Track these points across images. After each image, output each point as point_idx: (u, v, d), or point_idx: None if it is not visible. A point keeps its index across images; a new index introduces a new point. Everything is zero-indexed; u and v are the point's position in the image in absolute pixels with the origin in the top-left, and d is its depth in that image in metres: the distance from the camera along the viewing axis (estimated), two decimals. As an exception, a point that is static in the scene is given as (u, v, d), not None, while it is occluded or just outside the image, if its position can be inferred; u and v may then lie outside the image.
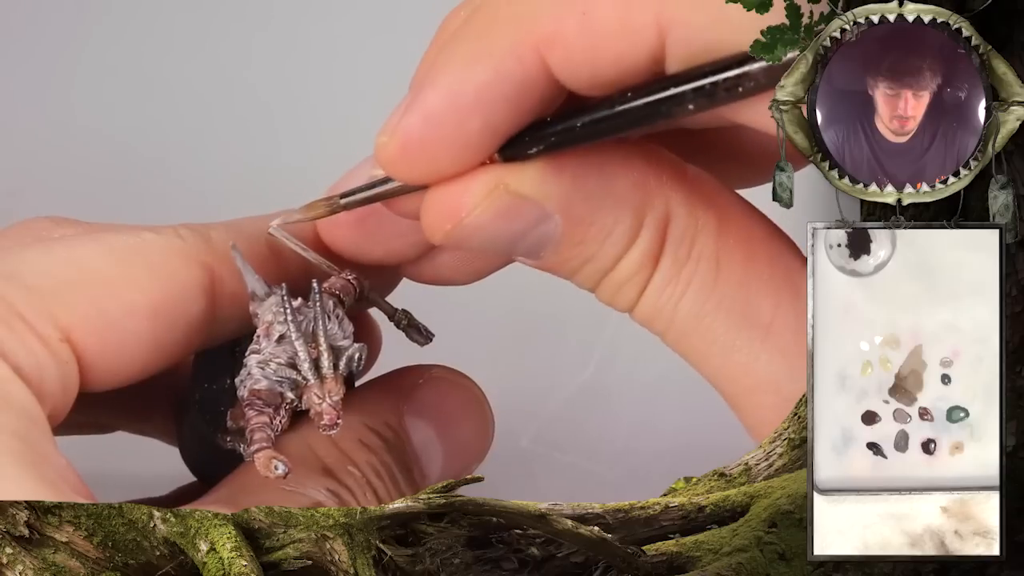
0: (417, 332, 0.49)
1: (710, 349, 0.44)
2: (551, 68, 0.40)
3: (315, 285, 0.45)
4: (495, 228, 0.43)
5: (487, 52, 0.41)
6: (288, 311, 0.45)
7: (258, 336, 0.46)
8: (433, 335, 0.49)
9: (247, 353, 0.46)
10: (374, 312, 0.51)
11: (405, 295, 0.52)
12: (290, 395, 0.45)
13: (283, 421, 0.46)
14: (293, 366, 0.45)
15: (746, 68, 0.38)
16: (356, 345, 0.46)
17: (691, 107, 0.39)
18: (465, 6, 0.44)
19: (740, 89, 0.38)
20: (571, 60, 0.40)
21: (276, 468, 0.44)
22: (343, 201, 0.46)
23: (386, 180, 0.45)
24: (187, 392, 0.49)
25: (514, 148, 0.42)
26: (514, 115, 0.41)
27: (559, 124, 0.42)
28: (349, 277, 0.47)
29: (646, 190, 0.43)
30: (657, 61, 0.39)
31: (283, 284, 0.45)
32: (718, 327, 0.44)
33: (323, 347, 0.45)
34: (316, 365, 0.45)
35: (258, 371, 0.45)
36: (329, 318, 0.45)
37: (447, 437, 0.50)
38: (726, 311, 0.43)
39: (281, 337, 0.45)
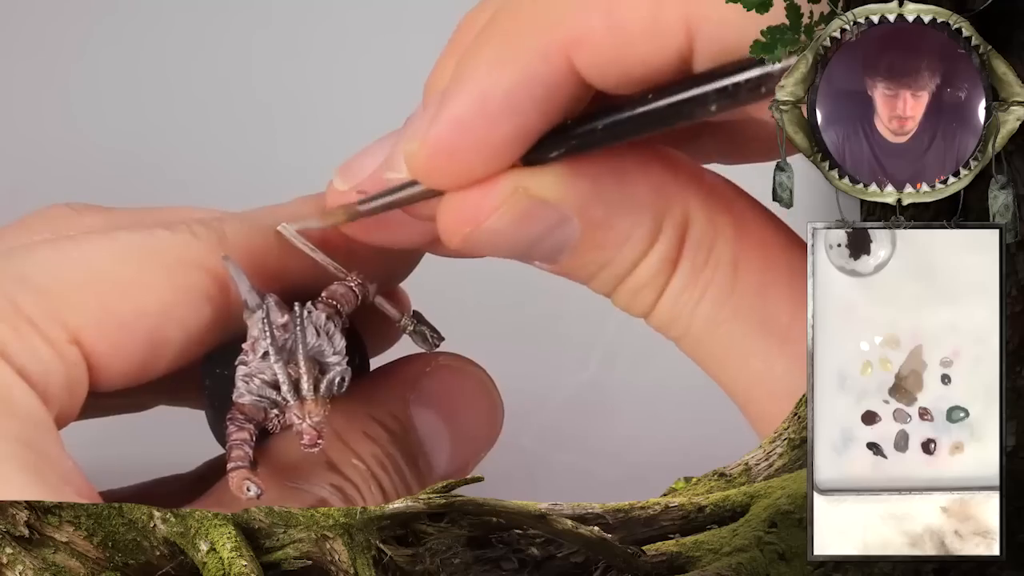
0: (423, 339, 0.48)
1: (726, 356, 0.44)
2: (578, 69, 0.40)
3: (297, 308, 0.45)
4: (514, 232, 0.43)
5: (514, 55, 0.40)
6: (269, 332, 0.44)
7: (246, 349, 0.45)
8: (443, 338, 0.49)
9: (236, 362, 0.45)
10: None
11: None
12: (273, 412, 0.45)
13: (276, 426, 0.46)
14: (275, 386, 0.45)
15: (769, 68, 0.37)
16: (339, 368, 0.45)
17: (713, 108, 0.38)
18: (483, 8, 0.43)
19: (763, 89, 0.38)
20: (599, 60, 0.40)
21: (248, 490, 0.44)
22: (361, 208, 0.45)
23: (405, 185, 0.44)
24: (199, 377, 0.49)
25: (534, 151, 0.42)
26: (543, 117, 0.41)
27: (580, 127, 0.41)
28: (352, 284, 0.47)
29: (665, 195, 0.43)
30: (685, 60, 0.39)
31: (268, 300, 0.45)
32: (735, 333, 0.43)
33: (303, 369, 0.44)
34: (296, 387, 0.44)
35: (243, 385, 0.45)
36: (319, 333, 0.45)
37: (454, 425, 0.50)
38: (743, 318, 0.43)
39: (265, 354, 0.45)
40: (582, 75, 0.40)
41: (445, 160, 0.41)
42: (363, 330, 0.49)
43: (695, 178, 0.44)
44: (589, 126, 0.41)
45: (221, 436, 0.48)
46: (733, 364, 0.44)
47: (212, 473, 0.50)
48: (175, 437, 0.54)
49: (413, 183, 0.44)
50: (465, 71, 0.41)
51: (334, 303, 0.46)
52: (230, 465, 0.44)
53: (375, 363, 0.51)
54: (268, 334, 0.44)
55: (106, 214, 0.49)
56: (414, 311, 0.49)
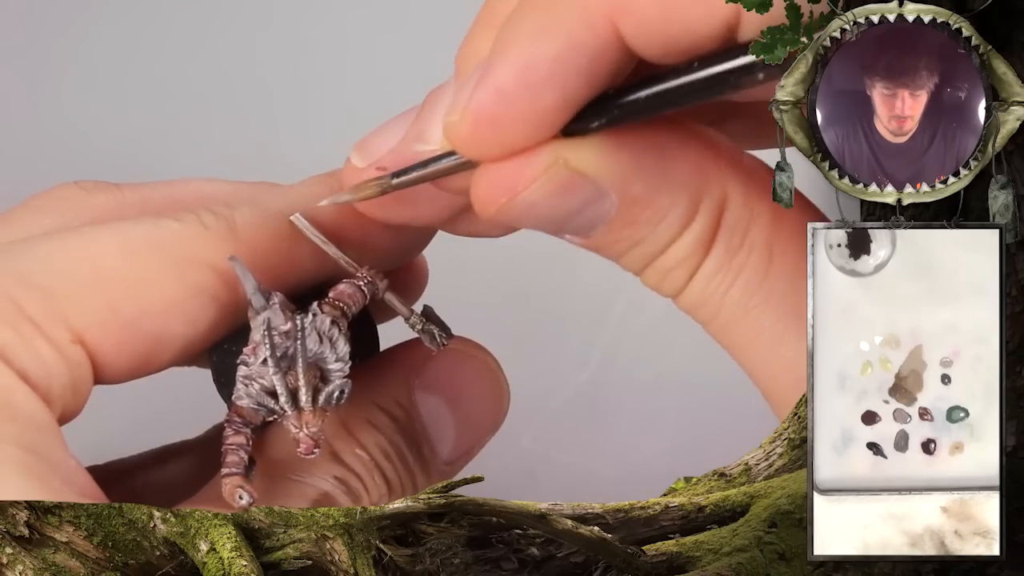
0: (431, 338, 0.48)
1: (755, 342, 0.43)
2: (624, 37, 0.39)
3: (299, 322, 0.44)
4: (550, 204, 0.42)
5: (558, 23, 0.40)
6: (269, 342, 0.44)
7: (247, 352, 0.45)
8: (451, 336, 0.48)
9: (238, 361, 0.45)
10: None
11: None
12: (270, 419, 0.45)
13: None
14: (273, 394, 0.44)
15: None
16: (339, 381, 0.45)
17: (761, 76, 0.38)
18: None
19: None
20: (644, 28, 0.39)
21: (240, 498, 0.43)
22: (395, 181, 0.44)
23: (438, 158, 0.43)
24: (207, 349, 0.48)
25: (576, 121, 0.41)
26: (587, 86, 0.40)
27: (623, 97, 0.40)
28: (361, 283, 0.46)
29: (704, 175, 0.43)
30: (731, 28, 0.38)
31: (274, 301, 0.44)
32: (766, 320, 0.43)
33: (302, 380, 0.44)
34: (294, 396, 0.44)
35: (242, 387, 0.45)
36: (321, 340, 0.44)
37: (459, 412, 0.49)
38: (776, 304, 0.42)
39: (266, 360, 0.44)
40: (628, 43, 0.40)
41: (488, 130, 0.41)
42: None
43: (735, 161, 0.43)
44: (632, 96, 0.40)
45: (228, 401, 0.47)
46: (762, 350, 0.43)
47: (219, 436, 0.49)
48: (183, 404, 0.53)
49: (445, 155, 0.43)
50: (508, 40, 0.40)
51: (340, 305, 0.46)
52: (224, 470, 0.44)
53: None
54: (268, 345, 0.44)
55: (115, 192, 0.48)
56: (424, 307, 0.49)
